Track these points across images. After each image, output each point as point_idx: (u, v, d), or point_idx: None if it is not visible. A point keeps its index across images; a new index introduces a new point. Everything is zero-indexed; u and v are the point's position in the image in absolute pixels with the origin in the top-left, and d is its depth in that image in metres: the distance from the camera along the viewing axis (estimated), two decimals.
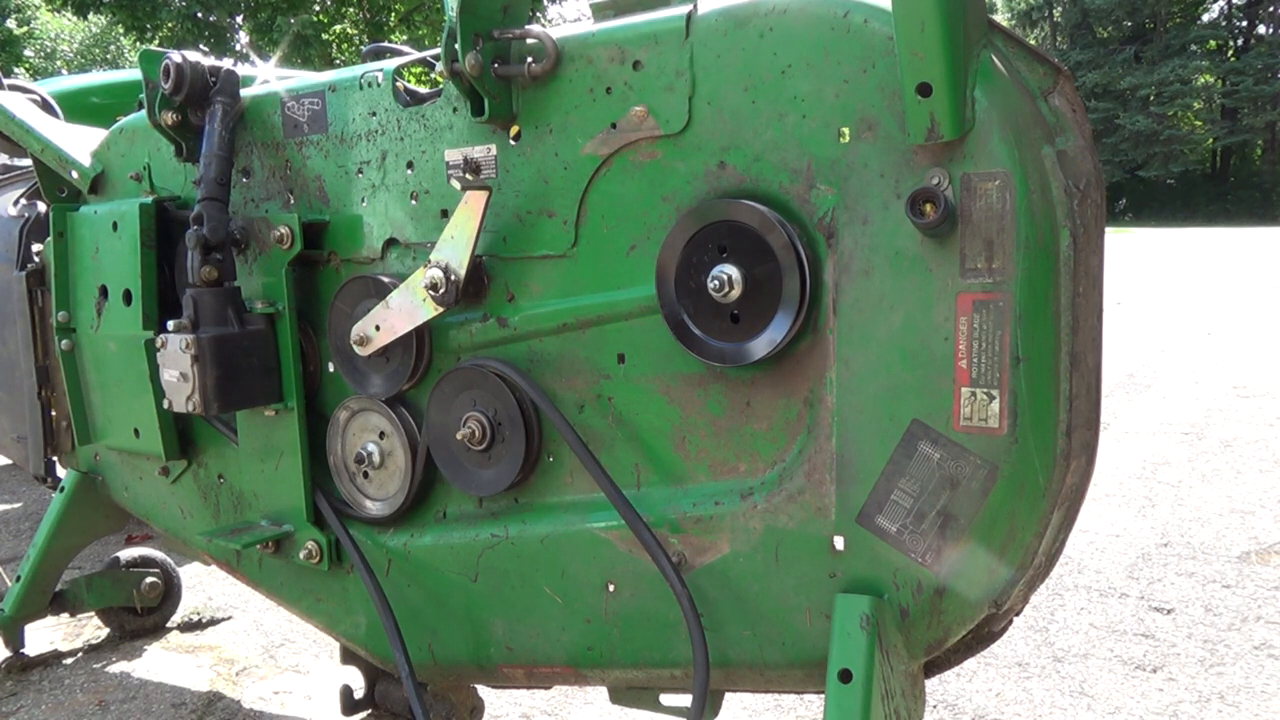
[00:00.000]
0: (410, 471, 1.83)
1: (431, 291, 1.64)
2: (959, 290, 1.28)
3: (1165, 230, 33.41)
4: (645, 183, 1.52)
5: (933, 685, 2.59)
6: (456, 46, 1.51)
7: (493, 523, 1.77)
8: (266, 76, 2.33)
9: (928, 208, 1.24)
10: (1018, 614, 1.49)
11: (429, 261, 1.64)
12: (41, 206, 2.64)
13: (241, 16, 21.57)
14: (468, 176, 1.65)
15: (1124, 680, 2.63)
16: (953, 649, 1.47)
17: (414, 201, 1.75)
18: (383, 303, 1.73)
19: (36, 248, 2.57)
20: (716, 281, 1.40)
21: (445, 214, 1.71)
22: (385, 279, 1.77)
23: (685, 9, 1.45)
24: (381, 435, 1.88)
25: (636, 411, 1.59)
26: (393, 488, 1.89)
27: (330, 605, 2.04)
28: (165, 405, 1.90)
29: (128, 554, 3.02)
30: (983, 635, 1.49)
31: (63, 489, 2.58)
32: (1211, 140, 45.57)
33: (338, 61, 21.97)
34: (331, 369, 1.95)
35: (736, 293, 1.40)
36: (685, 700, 1.59)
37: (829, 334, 1.39)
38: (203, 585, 3.46)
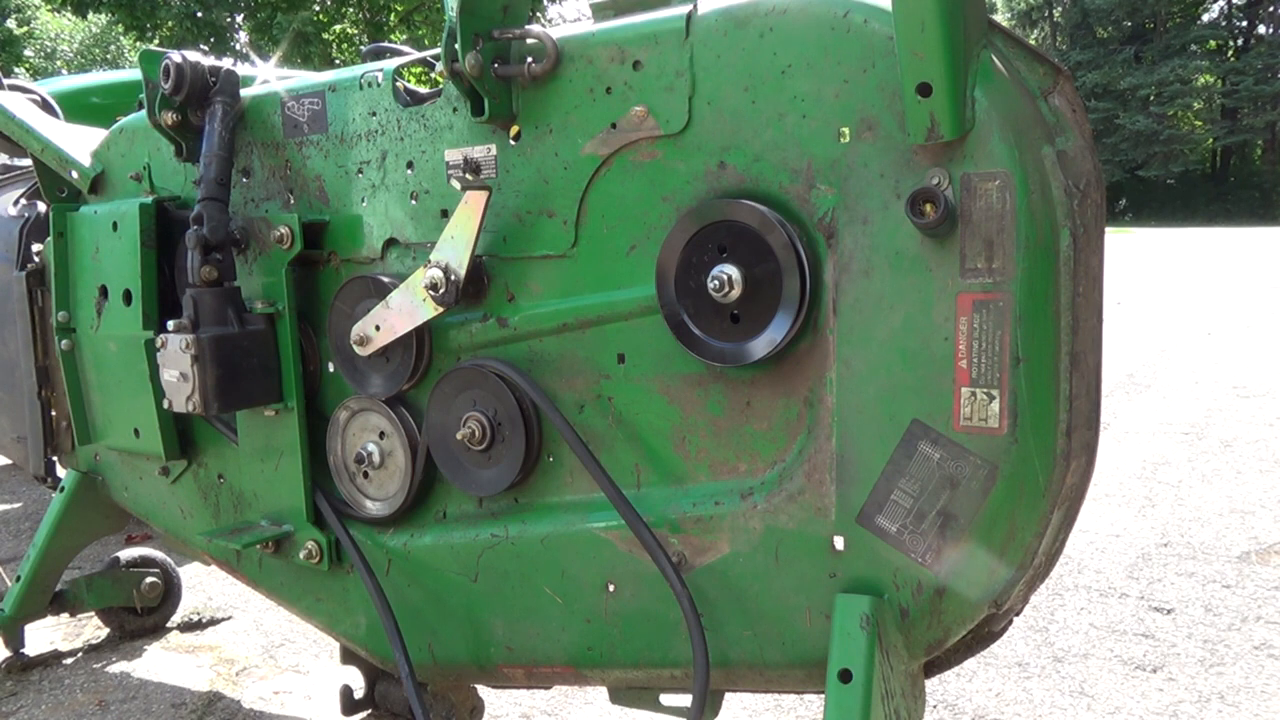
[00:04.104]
0: (410, 471, 1.83)
1: (431, 291, 1.64)
2: (959, 290, 1.28)
3: (1165, 230, 33.42)
4: (645, 183, 1.52)
5: (933, 685, 2.59)
6: (456, 46, 1.51)
7: (493, 523, 1.77)
8: (266, 76, 2.33)
9: (928, 208, 1.24)
10: (1018, 614, 1.49)
11: (429, 261, 1.64)
12: (41, 206, 2.64)
13: (241, 16, 21.57)
14: (468, 176, 1.65)
15: (1124, 680, 2.63)
16: (953, 649, 1.47)
17: (414, 201, 1.75)
18: (383, 303, 1.73)
19: (36, 248, 2.56)
20: (716, 281, 1.40)
21: (445, 214, 1.71)
22: (385, 279, 1.77)
23: (685, 9, 1.45)
24: (381, 435, 1.88)
25: (636, 411, 1.59)
26: (393, 488, 1.89)
27: (330, 605, 2.04)
28: (165, 405, 1.90)
29: (128, 554, 3.02)
30: (983, 635, 1.49)
31: (63, 489, 2.58)
32: (1211, 140, 45.58)
33: (338, 61, 21.97)
34: (331, 369, 1.95)
35: (736, 293, 1.40)
36: (685, 700, 1.59)
37: (829, 334, 1.39)
38: (203, 585, 3.46)
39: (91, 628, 3.11)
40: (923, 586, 1.37)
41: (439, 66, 1.59)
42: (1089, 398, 1.34)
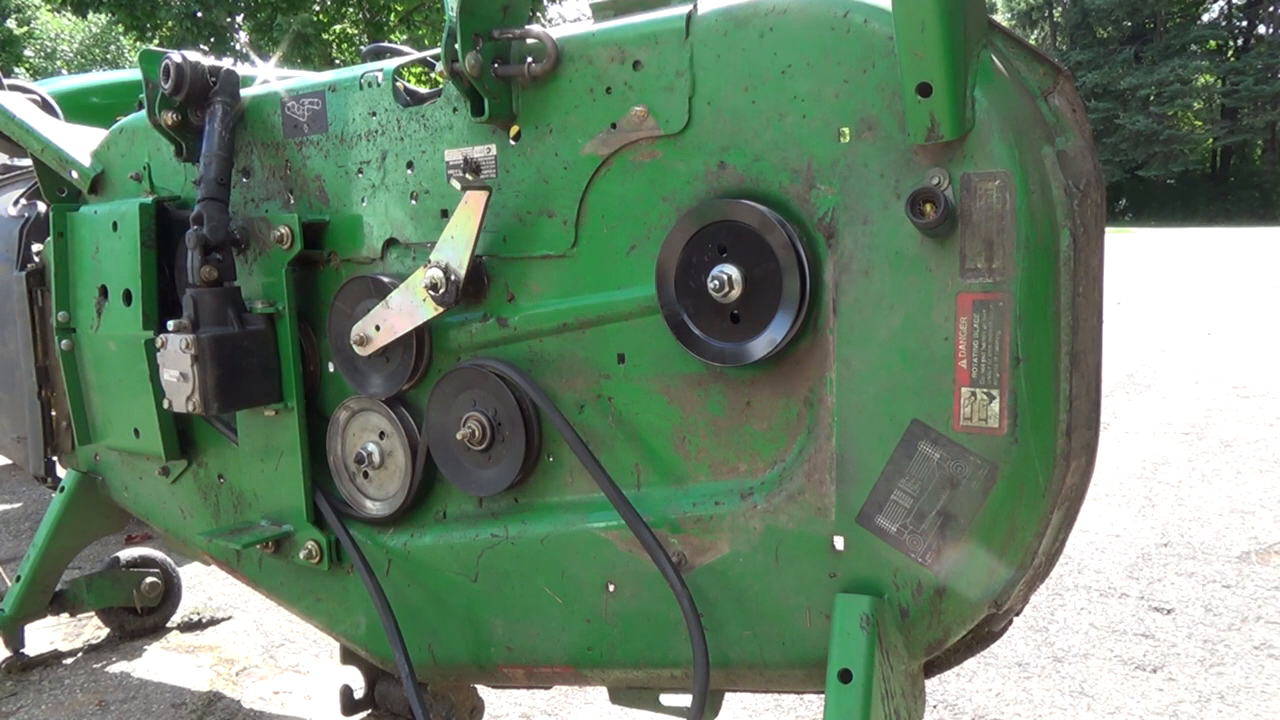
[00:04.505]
0: (410, 471, 1.83)
1: (431, 291, 1.64)
2: (959, 290, 1.28)
3: (1165, 230, 33.42)
4: (645, 183, 1.52)
5: (933, 685, 2.59)
6: (456, 46, 1.51)
7: (493, 523, 1.77)
8: (266, 76, 2.33)
9: (928, 208, 1.24)
10: (1018, 614, 1.49)
11: (429, 261, 1.64)
12: (41, 206, 2.64)
13: (241, 16, 21.57)
14: (468, 176, 1.65)
15: (1124, 680, 2.63)
16: (953, 649, 1.47)
17: (414, 201, 1.75)
18: (383, 303, 1.73)
19: (36, 248, 2.56)
20: (716, 281, 1.40)
21: (445, 214, 1.71)
22: (385, 279, 1.77)
23: (685, 9, 1.45)
24: (381, 435, 1.88)
25: (636, 411, 1.59)
26: (393, 488, 1.89)
27: (330, 605, 2.04)
28: (165, 405, 1.90)
29: (128, 554, 3.02)
30: (983, 635, 1.49)
31: (63, 489, 2.58)
32: (1211, 140, 45.59)
33: (338, 61, 21.97)
34: (331, 369, 1.95)
35: (736, 293, 1.40)
36: (685, 700, 1.59)
37: (829, 334, 1.39)
38: (203, 585, 3.46)
39: (91, 628, 3.11)
40: (923, 586, 1.37)
41: (439, 66, 1.59)
42: (1089, 398, 1.34)
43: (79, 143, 2.34)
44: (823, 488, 1.42)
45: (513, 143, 1.62)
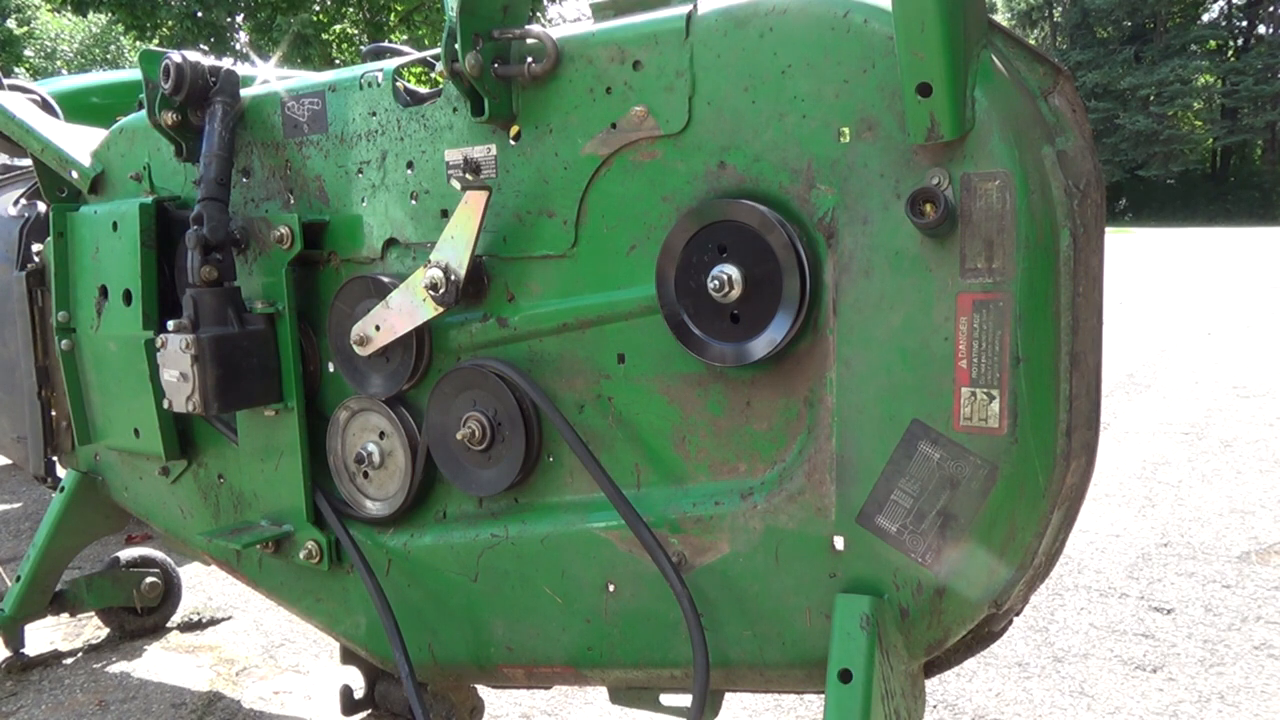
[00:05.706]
0: (410, 471, 1.84)
1: (431, 291, 1.64)
2: (959, 290, 1.28)
3: (1165, 230, 33.42)
4: (645, 183, 1.52)
5: (933, 685, 2.59)
6: (456, 46, 1.51)
7: (493, 523, 1.77)
8: (266, 76, 2.32)
9: (928, 208, 1.24)
10: (1018, 614, 1.50)
11: (429, 261, 1.64)
12: (41, 206, 2.64)
13: (241, 16, 21.57)
14: (468, 176, 1.65)
15: (1124, 680, 2.63)
16: (953, 649, 1.47)
17: (414, 201, 1.75)
18: (383, 303, 1.73)
19: (36, 248, 2.57)
20: (716, 281, 1.40)
21: (445, 214, 1.71)
22: (385, 279, 1.77)
23: (685, 9, 1.45)
24: (381, 435, 1.88)
25: (636, 411, 1.59)
26: (393, 488, 1.89)
27: (330, 605, 2.04)
28: (165, 405, 1.90)
29: (128, 554, 3.02)
30: (983, 635, 1.49)
31: (63, 489, 2.58)
32: (1211, 140, 45.61)
33: (338, 61, 21.97)
34: (331, 369, 1.95)
35: (736, 293, 1.40)
36: (685, 700, 1.59)
37: (829, 334, 1.39)
38: (203, 585, 3.46)
39: (91, 628, 3.11)
40: (923, 586, 1.37)
41: (439, 66, 1.59)
42: (1089, 398, 1.34)
43: (79, 143, 2.34)
44: (823, 488, 1.42)
45: (513, 143, 1.62)
